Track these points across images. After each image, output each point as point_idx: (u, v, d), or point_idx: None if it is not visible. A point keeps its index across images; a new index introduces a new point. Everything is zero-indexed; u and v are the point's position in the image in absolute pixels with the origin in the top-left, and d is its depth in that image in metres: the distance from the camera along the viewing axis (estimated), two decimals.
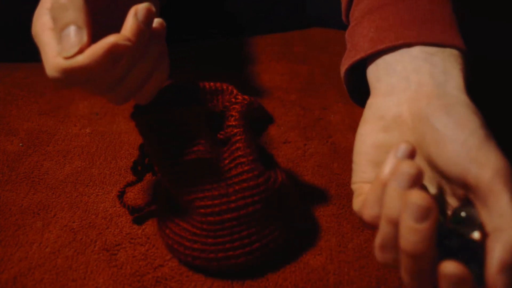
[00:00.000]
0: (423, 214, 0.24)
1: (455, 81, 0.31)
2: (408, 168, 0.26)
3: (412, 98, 0.31)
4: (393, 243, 0.27)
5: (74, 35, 0.30)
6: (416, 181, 0.26)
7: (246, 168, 0.36)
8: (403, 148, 0.27)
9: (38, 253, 0.39)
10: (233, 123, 0.38)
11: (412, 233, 0.25)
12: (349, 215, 0.42)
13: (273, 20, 0.73)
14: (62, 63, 0.30)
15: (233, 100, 0.39)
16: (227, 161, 0.37)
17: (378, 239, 0.28)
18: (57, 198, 0.44)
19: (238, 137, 0.37)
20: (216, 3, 0.71)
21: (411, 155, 0.28)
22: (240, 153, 0.36)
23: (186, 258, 0.36)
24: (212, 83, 0.42)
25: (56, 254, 0.39)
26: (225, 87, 0.41)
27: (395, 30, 0.33)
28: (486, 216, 0.26)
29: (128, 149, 0.50)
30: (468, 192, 0.27)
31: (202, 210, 0.36)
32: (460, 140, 0.28)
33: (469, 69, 0.32)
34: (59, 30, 0.31)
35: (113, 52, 0.29)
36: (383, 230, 0.27)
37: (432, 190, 0.30)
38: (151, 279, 0.37)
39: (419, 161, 0.30)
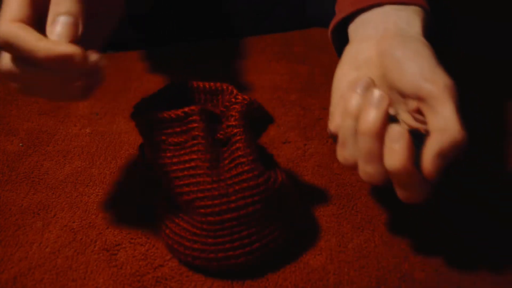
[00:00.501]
0: (379, 100, 0.33)
1: (415, 28, 0.38)
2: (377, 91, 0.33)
3: (379, 41, 0.38)
4: (351, 139, 0.34)
5: (70, 26, 0.31)
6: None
7: (246, 168, 0.36)
8: (364, 80, 0.35)
9: (38, 253, 0.39)
10: (233, 123, 0.37)
11: (369, 116, 0.33)
12: (349, 215, 0.42)
13: (274, 21, 0.73)
14: (19, 33, 0.30)
15: (233, 100, 0.39)
16: (227, 161, 0.37)
17: (340, 139, 0.36)
18: (57, 198, 0.44)
19: (238, 137, 0.37)
20: (216, 3, 0.71)
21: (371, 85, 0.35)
22: (240, 153, 0.36)
23: (186, 258, 0.36)
24: (212, 83, 0.42)
25: (56, 254, 0.39)
26: (225, 87, 0.41)
27: None
28: (433, 119, 0.33)
29: (128, 149, 0.50)
30: (420, 104, 0.34)
31: (202, 210, 0.36)
32: (416, 65, 0.34)
33: (429, 24, 0.39)
34: (56, 14, 0.31)
35: (65, 60, 0.30)
36: (344, 126, 0.35)
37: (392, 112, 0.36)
38: (151, 279, 0.37)
39: (384, 89, 0.36)
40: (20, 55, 0.31)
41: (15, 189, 0.45)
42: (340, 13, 0.42)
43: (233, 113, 0.38)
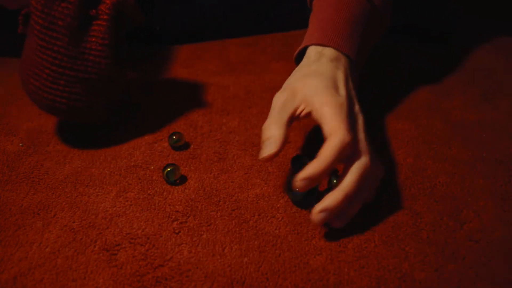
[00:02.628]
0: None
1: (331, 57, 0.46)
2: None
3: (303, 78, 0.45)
4: None
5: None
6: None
7: (99, 47, 0.46)
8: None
9: (38, 253, 0.39)
10: (104, 8, 0.46)
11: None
12: None
13: (274, 21, 0.73)
14: None
15: None
16: (89, 33, 0.45)
17: None
18: (57, 198, 0.44)
19: (103, 21, 0.46)
20: (217, 3, 0.71)
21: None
22: (99, 34, 0.46)
23: (28, 91, 0.47)
24: None
25: (56, 254, 0.39)
26: None
27: (316, 35, 0.47)
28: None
29: (128, 149, 0.50)
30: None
31: (50, 59, 0.45)
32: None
33: (349, 65, 0.46)
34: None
35: None
36: None
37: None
38: (151, 279, 0.37)
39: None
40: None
41: (15, 189, 0.45)
42: (304, 42, 0.50)
43: (107, 1, 0.46)
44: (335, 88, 0.42)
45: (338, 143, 0.37)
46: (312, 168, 0.37)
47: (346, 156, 0.39)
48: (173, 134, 0.50)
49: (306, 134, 0.52)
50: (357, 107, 0.43)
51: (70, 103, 0.47)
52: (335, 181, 0.43)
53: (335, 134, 0.38)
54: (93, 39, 0.46)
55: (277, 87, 0.60)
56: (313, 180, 0.37)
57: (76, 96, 0.47)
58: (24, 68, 0.48)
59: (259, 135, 0.52)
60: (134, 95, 0.59)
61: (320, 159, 0.37)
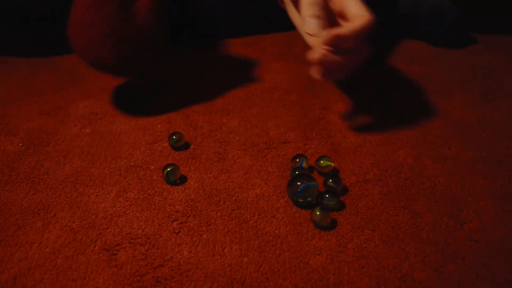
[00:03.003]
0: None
1: None
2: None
3: None
4: None
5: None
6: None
7: (146, 12, 0.49)
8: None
9: (38, 253, 0.39)
10: None
11: None
12: (349, 215, 0.42)
13: (274, 21, 0.73)
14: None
15: None
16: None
17: None
18: (57, 198, 0.44)
19: None
20: (217, 3, 0.71)
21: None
22: (147, 0, 0.49)
23: (77, 47, 0.51)
24: None
25: (56, 254, 0.39)
26: None
27: None
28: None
29: (128, 149, 0.50)
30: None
31: (101, 20, 0.48)
32: None
33: None
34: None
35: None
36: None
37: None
38: (151, 279, 0.37)
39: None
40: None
41: (15, 189, 0.45)
42: None
43: None
44: None
45: (366, 21, 0.43)
46: (341, 30, 0.43)
47: (367, 34, 0.44)
48: (173, 134, 0.50)
49: (306, 134, 0.52)
50: None
51: (116, 60, 0.50)
52: (330, 180, 0.43)
53: (362, 16, 0.44)
54: (141, 4, 0.50)
55: (277, 87, 0.60)
56: (337, 40, 0.43)
57: (122, 55, 0.50)
58: (73, 26, 0.51)
59: (259, 135, 0.52)
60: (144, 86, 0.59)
61: (348, 26, 0.43)
